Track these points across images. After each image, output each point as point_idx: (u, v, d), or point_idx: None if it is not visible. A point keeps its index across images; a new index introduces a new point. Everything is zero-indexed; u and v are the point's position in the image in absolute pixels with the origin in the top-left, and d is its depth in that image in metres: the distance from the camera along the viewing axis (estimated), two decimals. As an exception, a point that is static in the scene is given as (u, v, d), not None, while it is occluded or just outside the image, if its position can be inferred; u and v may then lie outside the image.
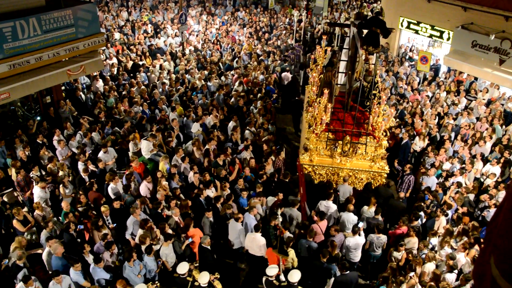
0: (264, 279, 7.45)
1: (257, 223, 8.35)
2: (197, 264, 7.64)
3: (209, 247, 8.02)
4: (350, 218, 8.79)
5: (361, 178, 10.16)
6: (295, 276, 7.06)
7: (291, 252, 7.82)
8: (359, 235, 8.27)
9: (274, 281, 7.29)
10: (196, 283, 7.07)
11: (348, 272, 7.43)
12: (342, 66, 10.63)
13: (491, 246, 2.05)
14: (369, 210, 9.07)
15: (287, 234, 8.23)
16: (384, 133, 9.90)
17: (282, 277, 7.34)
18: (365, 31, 8.62)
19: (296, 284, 7.06)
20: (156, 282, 7.46)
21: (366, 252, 8.68)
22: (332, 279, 7.77)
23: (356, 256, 8.45)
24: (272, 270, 7.30)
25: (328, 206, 9.06)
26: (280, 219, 8.22)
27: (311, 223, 8.63)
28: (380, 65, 16.89)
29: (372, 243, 8.54)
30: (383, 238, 8.51)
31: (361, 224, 8.55)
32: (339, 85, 10.81)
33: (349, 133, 9.89)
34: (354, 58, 9.93)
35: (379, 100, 9.76)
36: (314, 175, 10.25)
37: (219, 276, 7.39)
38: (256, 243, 8.18)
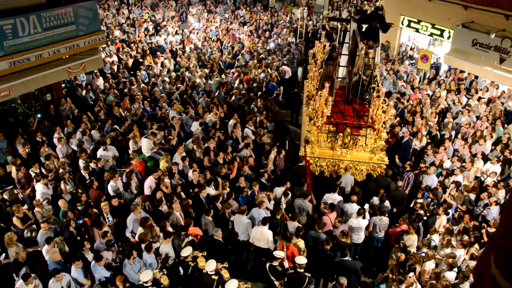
0: (267, 265, 7.63)
1: (265, 216, 8.43)
2: (205, 254, 7.75)
3: (221, 239, 8.12)
4: (354, 208, 8.96)
5: (361, 170, 10.42)
6: (302, 259, 7.27)
7: (301, 243, 7.99)
8: (363, 217, 8.59)
9: (278, 267, 7.46)
10: (204, 271, 7.25)
11: (346, 259, 7.66)
12: (343, 60, 10.82)
13: (490, 245, 2.06)
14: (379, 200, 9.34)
15: (296, 223, 8.38)
16: (383, 125, 10.08)
17: (286, 264, 7.49)
18: (364, 26, 8.76)
19: (303, 268, 7.24)
20: (164, 270, 7.54)
21: (369, 234, 8.97)
22: None
23: (359, 238, 8.73)
24: (279, 253, 7.51)
25: (334, 198, 9.27)
26: (284, 206, 8.32)
27: (320, 214, 8.90)
28: (381, 63, 16.91)
29: (375, 225, 8.81)
30: (385, 220, 8.81)
31: (366, 206, 8.90)
32: (339, 79, 10.95)
33: (350, 125, 10.07)
34: (354, 52, 10.13)
35: (378, 93, 9.92)
36: (315, 167, 10.47)
37: (227, 266, 7.57)
38: (263, 237, 8.28)
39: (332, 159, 10.35)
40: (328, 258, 7.91)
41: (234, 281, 6.92)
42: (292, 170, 10.27)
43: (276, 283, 7.53)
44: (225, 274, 7.37)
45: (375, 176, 10.33)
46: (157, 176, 9.52)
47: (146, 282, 6.91)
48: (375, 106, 9.98)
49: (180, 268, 7.83)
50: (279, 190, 9.43)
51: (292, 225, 8.36)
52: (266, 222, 8.25)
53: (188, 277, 7.50)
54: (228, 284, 6.82)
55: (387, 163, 10.33)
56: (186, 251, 7.53)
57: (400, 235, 8.60)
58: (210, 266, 7.21)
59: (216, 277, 7.14)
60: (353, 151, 10.31)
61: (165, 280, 7.26)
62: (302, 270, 7.23)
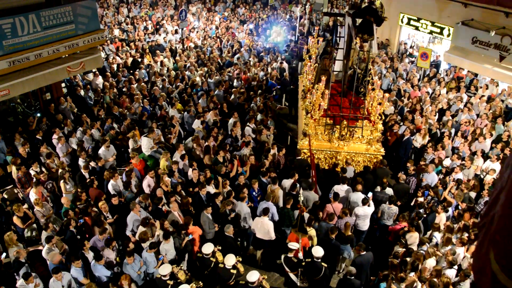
0: (282, 256, 7.76)
1: (266, 206, 8.47)
2: (220, 247, 7.87)
3: (232, 235, 8.17)
4: (359, 197, 9.09)
5: (358, 161, 10.62)
6: (319, 251, 7.37)
7: (312, 231, 8.12)
8: (369, 205, 8.83)
9: (293, 258, 7.57)
10: (221, 265, 7.37)
11: (365, 252, 7.81)
12: (339, 54, 11.10)
13: (488, 240, 2.05)
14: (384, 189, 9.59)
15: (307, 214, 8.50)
16: (379, 117, 10.24)
17: (301, 255, 7.60)
18: (359, 20, 8.93)
19: (320, 259, 7.35)
20: (181, 265, 7.70)
21: (377, 220, 9.33)
22: (346, 260, 8.30)
23: (365, 225, 9.01)
24: (293, 244, 7.57)
25: (344, 189, 9.46)
26: (302, 198, 8.36)
27: (325, 204, 9.09)
28: (380, 60, 16.90)
29: (384, 212, 9.11)
30: (394, 209, 9.07)
31: (370, 194, 9.14)
32: (334, 72, 11.20)
33: (346, 118, 10.26)
34: (349, 46, 10.33)
35: (373, 86, 10.09)
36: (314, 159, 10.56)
37: (241, 259, 7.71)
38: (263, 227, 8.34)
39: (329, 151, 10.57)
40: (333, 247, 8.05)
41: (255, 272, 6.98)
42: (293, 164, 10.37)
43: (291, 274, 7.66)
44: (241, 267, 7.52)
45: (372, 167, 10.51)
46: (152, 175, 9.54)
47: (164, 276, 7.01)
48: (370, 98, 10.22)
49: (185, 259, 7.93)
50: (287, 183, 9.58)
51: (306, 215, 8.49)
52: (267, 213, 8.33)
53: (208, 273, 7.61)
54: (250, 275, 6.90)
55: (383, 153, 10.54)
56: (208, 249, 7.54)
57: (399, 233, 8.60)
58: (229, 260, 7.30)
59: (234, 271, 7.30)
60: (350, 143, 10.54)
61: (182, 275, 7.35)
62: (319, 260, 7.37)
